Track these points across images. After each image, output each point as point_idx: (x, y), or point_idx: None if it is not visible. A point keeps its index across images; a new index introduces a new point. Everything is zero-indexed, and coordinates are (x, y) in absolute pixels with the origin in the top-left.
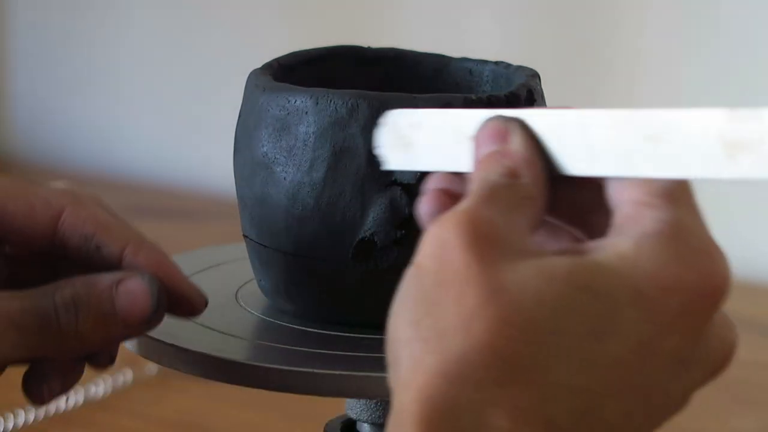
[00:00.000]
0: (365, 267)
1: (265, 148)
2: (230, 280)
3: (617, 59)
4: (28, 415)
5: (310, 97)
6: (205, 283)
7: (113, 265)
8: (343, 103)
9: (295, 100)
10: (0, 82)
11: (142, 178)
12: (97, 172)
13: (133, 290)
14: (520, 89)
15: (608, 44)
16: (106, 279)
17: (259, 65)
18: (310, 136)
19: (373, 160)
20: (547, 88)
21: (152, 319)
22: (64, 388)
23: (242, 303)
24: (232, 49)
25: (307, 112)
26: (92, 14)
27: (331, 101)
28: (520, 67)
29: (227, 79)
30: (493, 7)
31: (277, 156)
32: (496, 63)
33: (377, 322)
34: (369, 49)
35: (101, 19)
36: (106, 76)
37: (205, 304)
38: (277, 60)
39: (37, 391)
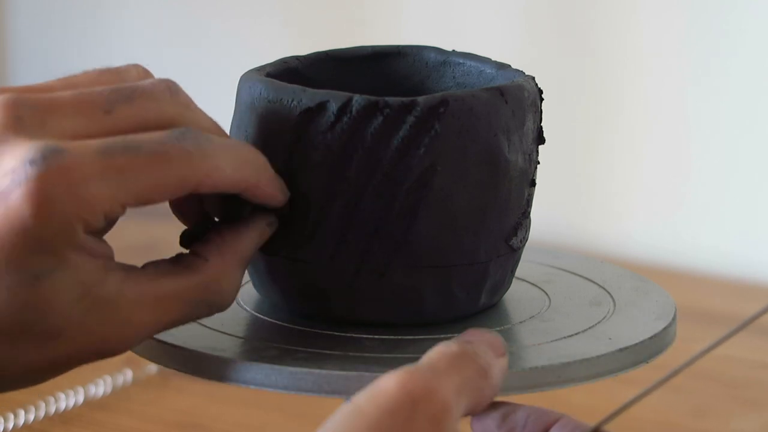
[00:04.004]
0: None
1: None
2: None
3: (620, 59)
4: (28, 415)
5: (295, 96)
6: None
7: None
8: (313, 101)
9: (281, 98)
10: (1, 82)
11: None
12: None
13: None
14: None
15: (612, 44)
16: None
17: (258, 65)
18: (288, 135)
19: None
20: (548, 87)
21: None
22: None
23: (242, 303)
24: (232, 49)
25: (290, 111)
26: (90, 14)
27: (302, 99)
28: (518, 71)
29: (227, 79)
30: (495, 6)
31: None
32: (499, 64)
33: (372, 322)
34: (365, 48)
35: (99, 19)
36: None
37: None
38: (270, 64)
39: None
